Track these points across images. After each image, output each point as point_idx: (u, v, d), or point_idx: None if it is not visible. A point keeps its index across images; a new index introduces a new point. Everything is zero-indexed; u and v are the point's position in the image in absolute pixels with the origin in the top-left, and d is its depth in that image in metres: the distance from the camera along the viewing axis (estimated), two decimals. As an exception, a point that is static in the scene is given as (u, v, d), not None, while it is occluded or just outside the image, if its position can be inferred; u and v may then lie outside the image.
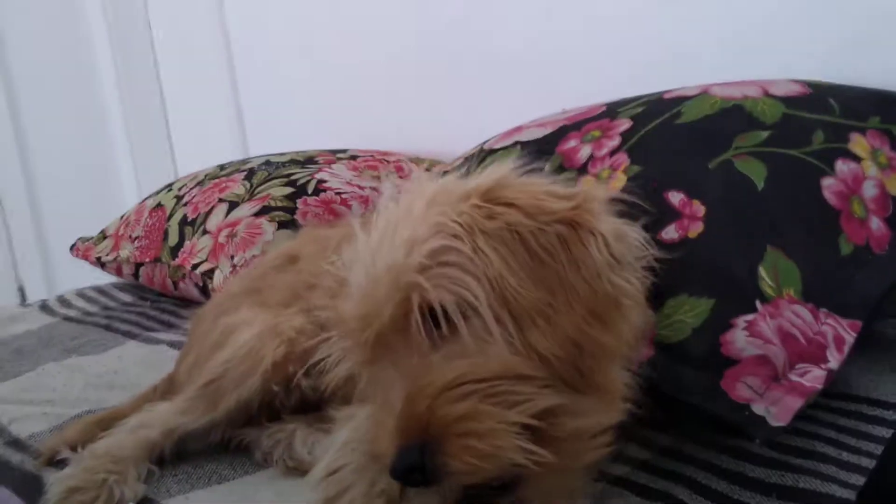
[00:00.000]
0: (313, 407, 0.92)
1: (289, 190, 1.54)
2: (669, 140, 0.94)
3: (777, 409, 0.70)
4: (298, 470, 0.85)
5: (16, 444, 1.01)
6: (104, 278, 1.85)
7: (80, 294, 1.77)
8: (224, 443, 0.94)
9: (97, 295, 1.76)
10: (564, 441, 0.60)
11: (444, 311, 0.61)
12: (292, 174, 1.59)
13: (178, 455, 0.92)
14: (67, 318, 1.61)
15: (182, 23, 2.41)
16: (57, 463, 0.91)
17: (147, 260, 1.62)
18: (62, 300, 1.75)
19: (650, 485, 0.74)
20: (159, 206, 1.70)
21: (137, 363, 1.28)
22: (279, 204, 1.51)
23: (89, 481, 0.81)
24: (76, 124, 2.76)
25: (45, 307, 1.70)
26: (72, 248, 1.86)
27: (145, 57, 2.54)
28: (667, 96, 1.04)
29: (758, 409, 0.70)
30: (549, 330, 0.61)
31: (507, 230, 0.63)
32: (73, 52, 2.73)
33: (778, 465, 0.75)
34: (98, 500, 0.80)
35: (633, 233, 0.71)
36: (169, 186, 1.78)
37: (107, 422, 0.97)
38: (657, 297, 0.76)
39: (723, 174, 0.86)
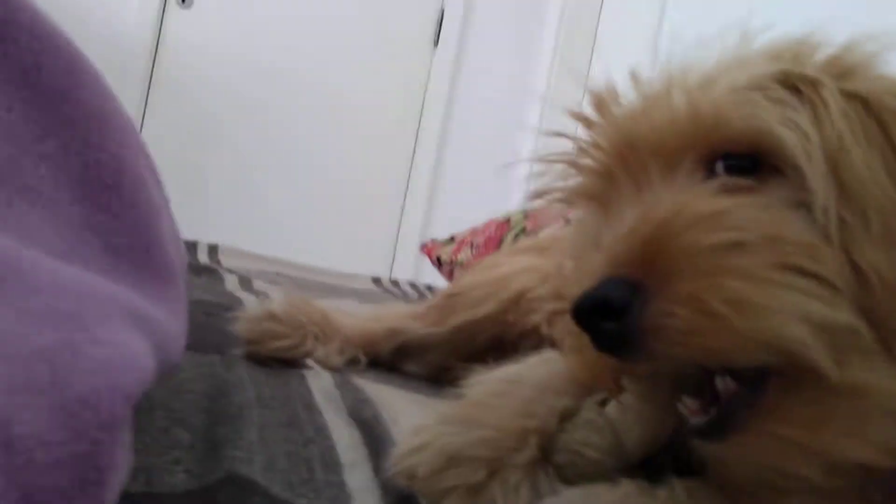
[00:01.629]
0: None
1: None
2: None
3: None
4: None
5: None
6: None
7: (412, 283, 1.82)
8: (439, 373, 0.83)
9: (425, 289, 1.80)
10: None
11: (750, 153, 0.42)
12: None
13: (391, 368, 0.84)
14: (386, 291, 1.65)
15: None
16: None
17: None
18: (393, 281, 1.81)
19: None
20: (507, 220, 1.69)
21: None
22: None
23: (290, 320, 0.75)
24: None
25: (376, 280, 1.78)
26: (423, 245, 1.93)
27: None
28: None
29: None
30: (885, 239, 0.39)
31: (858, 102, 0.43)
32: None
33: None
34: (289, 338, 0.73)
35: None
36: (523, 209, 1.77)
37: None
38: None
39: None
